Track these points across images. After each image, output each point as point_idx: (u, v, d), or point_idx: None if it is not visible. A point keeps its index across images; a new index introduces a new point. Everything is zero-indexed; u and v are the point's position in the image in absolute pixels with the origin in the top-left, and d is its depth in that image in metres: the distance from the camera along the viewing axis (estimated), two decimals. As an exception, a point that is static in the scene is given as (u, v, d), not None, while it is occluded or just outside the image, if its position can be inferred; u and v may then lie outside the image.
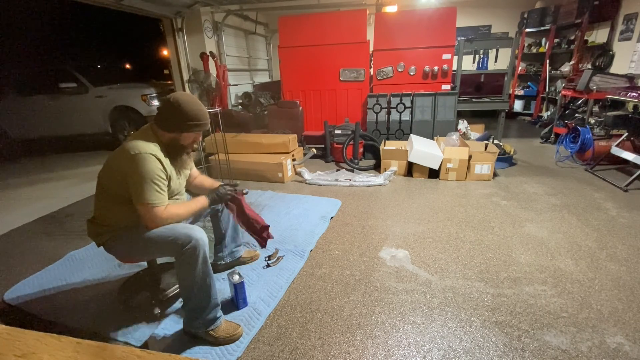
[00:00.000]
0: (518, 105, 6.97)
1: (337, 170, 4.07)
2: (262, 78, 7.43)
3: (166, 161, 1.48)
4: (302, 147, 4.36)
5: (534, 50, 6.62)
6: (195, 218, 1.87)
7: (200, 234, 1.43)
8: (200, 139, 1.63)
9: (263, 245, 1.91)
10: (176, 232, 1.42)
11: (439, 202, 3.03)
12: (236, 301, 1.75)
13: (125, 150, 1.41)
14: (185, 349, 1.50)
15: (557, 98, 5.38)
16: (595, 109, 4.51)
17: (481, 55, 5.18)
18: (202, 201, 1.62)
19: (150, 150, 1.40)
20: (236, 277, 1.71)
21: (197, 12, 5.14)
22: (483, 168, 3.49)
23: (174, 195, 1.61)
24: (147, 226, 1.43)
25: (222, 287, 1.90)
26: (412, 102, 4.41)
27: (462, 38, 4.58)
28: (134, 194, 1.39)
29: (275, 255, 2.22)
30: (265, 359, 1.45)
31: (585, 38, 5.49)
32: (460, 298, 1.78)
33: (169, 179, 1.49)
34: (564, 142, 4.16)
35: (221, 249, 2.04)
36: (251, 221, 1.85)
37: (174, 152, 1.53)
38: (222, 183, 1.85)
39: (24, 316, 1.78)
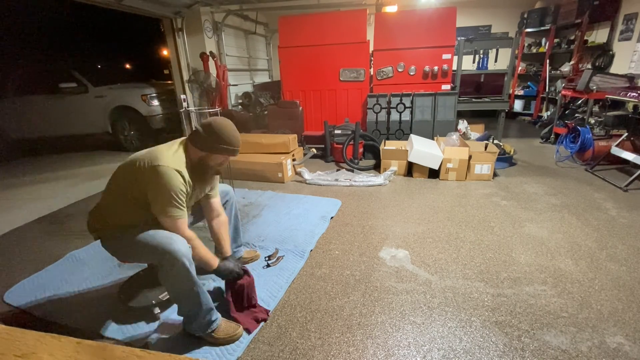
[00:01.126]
0: (518, 105, 6.97)
1: (337, 170, 4.07)
2: (262, 78, 7.43)
3: (188, 178, 1.47)
4: (302, 147, 4.36)
5: (534, 50, 6.62)
6: (196, 218, 1.87)
7: (179, 246, 1.38)
8: (228, 162, 1.66)
9: (249, 329, 1.64)
10: (156, 240, 1.40)
11: (439, 202, 3.03)
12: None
13: (151, 158, 1.40)
14: (185, 349, 1.51)
15: (557, 98, 5.38)
16: (595, 109, 4.51)
17: (481, 55, 5.18)
18: (213, 262, 1.57)
19: (175, 166, 1.40)
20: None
21: (197, 12, 5.14)
22: (483, 168, 3.49)
23: None
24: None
25: (221, 287, 1.90)
26: (412, 102, 4.41)
27: (462, 38, 4.58)
28: (156, 205, 1.40)
29: (275, 255, 2.22)
30: (265, 359, 1.45)
31: (585, 38, 5.48)
32: (460, 298, 1.78)
33: (188, 195, 1.49)
34: (564, 142, 4.16)
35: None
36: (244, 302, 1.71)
37: (200, 171, 1.54)
38: (233, 263, 1.69)
39: (24, 316, 1.78)
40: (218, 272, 1.61)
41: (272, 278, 1.99)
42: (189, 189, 1.47)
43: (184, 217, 1.45)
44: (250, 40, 6.86)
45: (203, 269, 1.58)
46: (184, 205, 1.45)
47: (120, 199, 1.48)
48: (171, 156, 1.44)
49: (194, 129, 1.55)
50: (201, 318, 1.50)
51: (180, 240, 1.41)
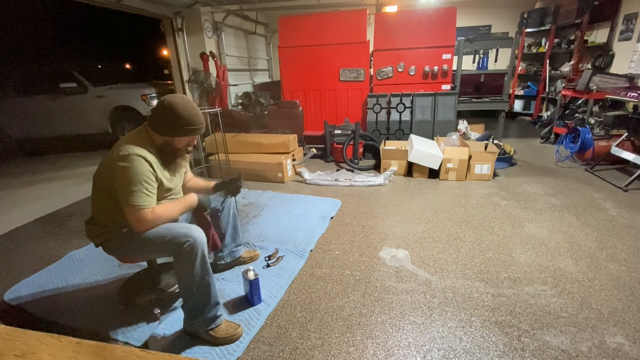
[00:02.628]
0: (518, 105, 6.97)
1: (337, 170, 4.07)
2: (262, 78, 7.43)
3: (157, 163, 1.46)
4: (302, 147, 4.36)
5: (534, 50, 6.62)
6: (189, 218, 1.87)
7: (198, 233, 1.43)
8: (195, 142, 1.60)
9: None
10: (173, 232, 1.42)
11: (439, 202, 3.03)
12: (251, 298, 1.76)
13: (115, 150, 1.40)
14: (185, 349, 1.50)
15: (557, 98, 5.38)
16: (595, 109, 4.51)
17: (481, 55, 5.18)
18: (190, 200, 1.60)
19: (139, 152, 1.38)
20: (251, 274, 1.73)
21: (197, 12, 5.14)
22: (483, 168, 3.49)
23: (170, 195, 1.60)
24: (134, 229, 1.41)
25: (222, 286, 1.90)
26: (412, 102, 4.41)
27: (462, 38, 4.58)
28: (121, 195, 1.37)
29: (275, 255, 2.22)
30: (265, 359, 1.45)
31: (585, 38, 5.48)
32: (460, 298, 1.78)
33: (159, 182, 1.47)
34: (564, 142, 4.16)
35: (221, 249, 2.04)
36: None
37: (168, 155, 1.52)
38: (220, 181, 1.85)
39: (24, 316, 1.78)
40: (200, 206, 1.67)
41: (272, 278, 1.98)
42: (159, 176, 1.46)
43: (148, 207, 1.39)
44: (250, 40, 6.86)
45: (213, 267, 1.59)
46: (153, 192, 1.41)
47: (109, 202, 1.46)
48: (134, 143, 1.41)
49: (150, 111, 1.50)
50: (207, 312, 1.50)
51: (198, 229, 1.44)
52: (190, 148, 1.59)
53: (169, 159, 1.53)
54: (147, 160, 1.40)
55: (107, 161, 1.44)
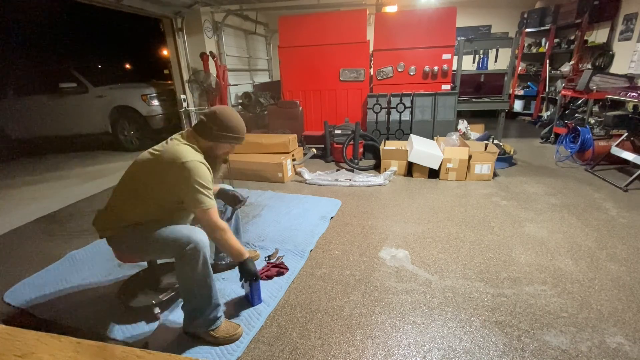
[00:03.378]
0: (518, 105, 6.97)
1: (337, 170, 4.07)
2: (262, 78, 7.42)
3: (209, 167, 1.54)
4: (302, 147, 4.36)
5: (534, 50, 6.62)
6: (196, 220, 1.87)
7: (201, 236, 1.44)
8: (234, 151, 1.72)
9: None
10: (177, 233, 1.43)
11: (439, 202, 3.03)
12: (251, 298, 1.76)
13: (173, 155, 1.43)
14: (185, 349, 1.51)
15: (557, 98, 5.38)
16: (595, 109, 4.51)
17: (481, 55, 5.18)
18: (243, 253, 1.59)
19: (199, 159, 1.46)
20: None
21: (197, 12, 5.14)
22: (483, 168, 3.49)
23: None
24: (209, 230, 1.47)
25: (222, 286, 1.90)
26: (412, 102, 4.41)
27: (462, 38, 4.58)
28: (191, 201, 1.42)
29: (275, 255, 2.22)
30: (265, 358, 1.45)
31: (585, 38, 5.48)
32: (460, 298, 1.78)
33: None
34: (564, 142, 4.16)
35: None
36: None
37: (209, 161, 1.57)
38: (228, 193, 1.91)
39: (24, 316, 1.78)
40: (244, 265, 1.60)
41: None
42: (212, 178, 1.53)
43: (215, 206, 1.49)
44: (250, 40, 6.86)
45: (214, 267, 1.60)
46: (212, 195, 1.49)
47: (138, 199, 1.49)
48: (190, 150, 1.47)
49: (198, 119, 1.58)
50: (207, 313, 1.50)
51: (202, 232, 1.47)
52: (227, 157, 1.70)
53: (212, 164, 1.59)
54: (206, 166, 1.48)
55: (160, 163, 1.45)
